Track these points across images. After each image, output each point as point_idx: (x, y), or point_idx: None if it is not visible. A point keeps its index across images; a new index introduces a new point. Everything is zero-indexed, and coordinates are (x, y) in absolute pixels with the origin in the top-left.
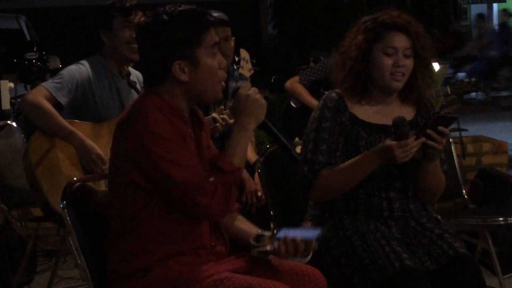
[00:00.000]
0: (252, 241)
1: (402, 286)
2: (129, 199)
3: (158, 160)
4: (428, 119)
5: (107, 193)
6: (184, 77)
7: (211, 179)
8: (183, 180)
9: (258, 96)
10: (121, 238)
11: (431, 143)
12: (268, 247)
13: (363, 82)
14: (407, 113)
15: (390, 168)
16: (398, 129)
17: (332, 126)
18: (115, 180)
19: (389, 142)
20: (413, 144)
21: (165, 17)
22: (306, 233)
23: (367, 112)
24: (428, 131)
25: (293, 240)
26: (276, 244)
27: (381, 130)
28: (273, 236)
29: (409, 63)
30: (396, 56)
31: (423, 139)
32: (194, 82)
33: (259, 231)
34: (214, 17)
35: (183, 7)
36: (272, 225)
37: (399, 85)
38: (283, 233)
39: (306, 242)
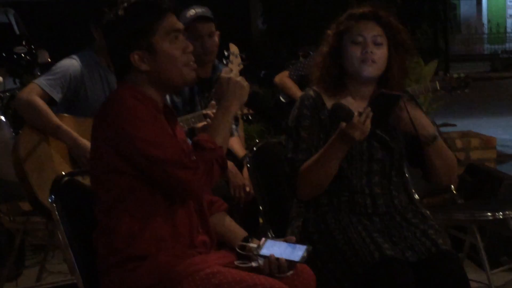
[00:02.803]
0: (237, 249)
1: (382, 276)
2: (113, 187)
3: (137, 142)
4: (373, 99)
5: (91, 186)
6: (144, 67)
7: (192, 157)
8: (163, 158)
9: (239, 78)
10: (107, 229)
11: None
12: (253, 264)
13: (336, 76)
14: None
15: (372, 164)
16: (338, 114)
17: (312, 124)
18: (97, 170)
19: (342, 125)
20: (361, 119)
21: (119, 11)
22: (291, 252)
23: None
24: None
25: (278, 259)
26: (260, 261)
27: None
28: (258, 249)
29: (380, 52)
30: (364, 43)
31: (368, 109)
32: (155, 70)
33: (245, 236)
34: (170, 4)
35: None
36: (261, 220)
37: (370, 70)
38: (268, 249)
39: (290, 262)
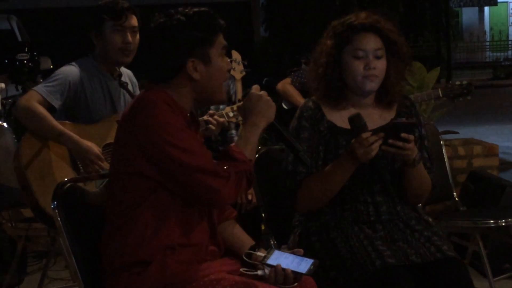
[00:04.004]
0: (244, 257)
1: (383, 283)
2: (133, 190)
3: (170, 148)
4: (386, 126)
5: (107, 186)
6: (196, 75)
7: (225, 167)
8: (196, 165)
9: (267, 96)
10: (119, 231)
11: (393, 150)
12: (259, 272)
13: (336, 88)
14: (386, 115)
15: (372, 172)
16: (353, 123)
17: (311, 136)
18: (119, 171)
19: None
20: (370, 139)
21: (181, 17)
22: (298, 264)
23: (344, 119)
24: (390, 141)
25: (284, 270)
26: (266, 270)
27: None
28: (265, 258)
29: (380, 65)
30: (367, 58)
31: (381, 134)
32: (205, 81)
33: (252, 245)
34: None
35: (196, 9)
36: (263, 227)
37: (373, 85)
38: (275, 259)
39: (296, 274)
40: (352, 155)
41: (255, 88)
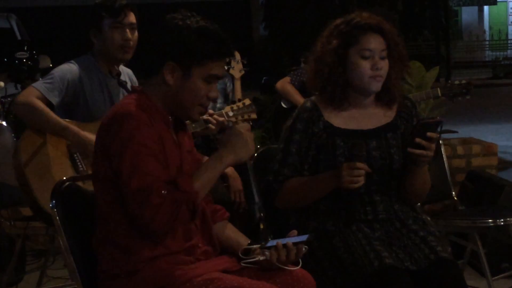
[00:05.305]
0: (240, 254)
1: (381, 284)
2: (108, 196)
3: (123, 160)
4: (413, 128)
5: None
6: (169, 79)
7: (163, 191)
8: (135, 188)
9: (250, 137)
10: (108, 238)
11: (419, 151)
12: (260, 257)
13: (342, 87)
14: (386, 115)
15: (370, 174)
16: (352, 150)
17: (302, 139)
18: (96, 175)
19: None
20: (361, 172)
21: (190, 23)
22: (296, 238)
23: (344, 119)
24: (417, 140)
25: (284, 246)
26: (267, 253)
27: (358, 136)
28: (262, 247)
29: (385, 65)
30: (373, 58)
31: (364, 167)
32: (176, 90)
33: (248, 242)
34: (231, 51)
35: (212, 26)
36: (261, 226)
37: (378, 85)
38: (273, 241)
39: (298, 246)
40: (337, 178)
41: (243, 127)
